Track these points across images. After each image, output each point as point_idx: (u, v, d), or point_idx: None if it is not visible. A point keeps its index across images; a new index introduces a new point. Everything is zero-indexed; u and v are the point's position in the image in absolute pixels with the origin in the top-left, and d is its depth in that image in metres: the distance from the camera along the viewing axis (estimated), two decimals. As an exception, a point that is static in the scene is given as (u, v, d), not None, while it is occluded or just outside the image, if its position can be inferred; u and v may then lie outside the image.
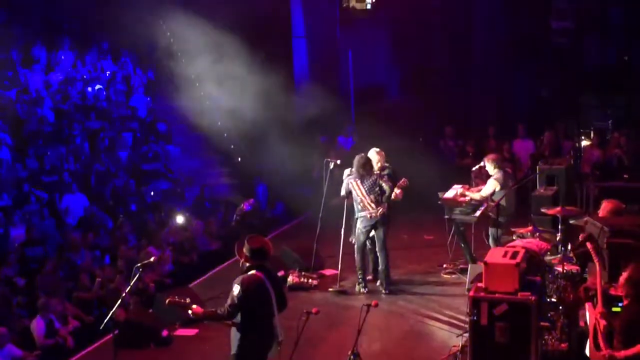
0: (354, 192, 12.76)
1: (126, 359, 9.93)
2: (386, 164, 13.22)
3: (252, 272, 8.07)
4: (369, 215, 12.70)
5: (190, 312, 8.14)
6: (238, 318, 8.00)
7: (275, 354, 8.18)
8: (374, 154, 13.15)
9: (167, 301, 8.24)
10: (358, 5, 23.74)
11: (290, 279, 13.46)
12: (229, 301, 7.97)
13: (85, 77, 21.67)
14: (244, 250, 8.14)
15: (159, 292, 13.02)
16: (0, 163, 16.94)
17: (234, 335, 8.09)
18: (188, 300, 8.19)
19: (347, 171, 13.01)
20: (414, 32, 23.12)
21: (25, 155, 17.76)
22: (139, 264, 8.83)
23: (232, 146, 21.72)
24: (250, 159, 21.33)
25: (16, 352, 11.10)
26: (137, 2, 20.41)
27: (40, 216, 15.63)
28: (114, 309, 8.42)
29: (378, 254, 13.03)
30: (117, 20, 20.86)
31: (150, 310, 12.37)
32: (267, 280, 8.09)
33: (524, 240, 10.52)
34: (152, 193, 18.34)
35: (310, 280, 13.49)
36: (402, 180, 12.96)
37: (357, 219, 12.92)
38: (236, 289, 7.93)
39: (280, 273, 13.63)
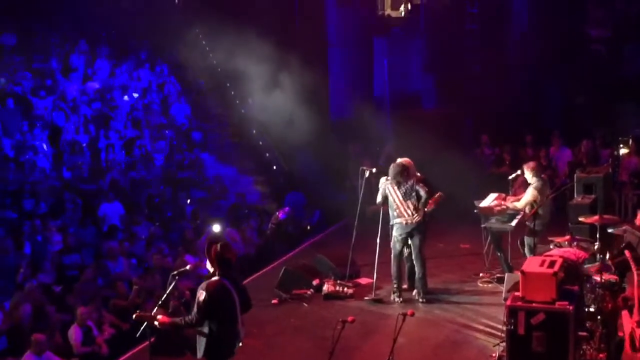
0: (390, 198, 12.58)
1: (162, 367, 9.98)
2: (417, 174, 13.06)
3: (216, 277, 8.21)
4: (404, 222, 12.54)
5: (156, 322, 8.29)
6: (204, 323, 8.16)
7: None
8: (406, 163, 12.87)
9: (134, 316, 8.40)
10: (393, 13, 23.73)
11: (325, 287, 13.41)
12: (195, 308, 8.13)
13: (122, 85, 21.84)
14: (213, 254, 8.27)
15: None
16: (38, 171, 17.12)
17: (199, 339, 8.23)
18: (153, 312, 8.34)
19: (383, 179, 12.90)
20: (450, 39, 23.05)
21: (63, 163, 17.92)
22: (174, 272, 8.87)
23: (267, 154, 21.77)
24: (285, 167, 21.37)
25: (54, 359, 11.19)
26: (173, 11, 20.55)
27: (78, 224, 15.76)
28: (151, 314, 8.47)
29: (414, 262, 12.87)
30: (153, 29, 21.05)
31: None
32: (230, 285, 8.24)
33: (562, 249, 10.43)
34: (188, 201, 18.42)
35: (345, 289, 13.43)
36: (438, 194, 12.87)
37: (392, 226, 12.78)
38: (202, 295, 8.08)
39: (316, 281, 13.64)
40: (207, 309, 8.07)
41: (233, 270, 8.46)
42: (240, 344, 8.40)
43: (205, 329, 8.17)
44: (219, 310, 8.12)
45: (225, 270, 8.29)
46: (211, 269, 8.36)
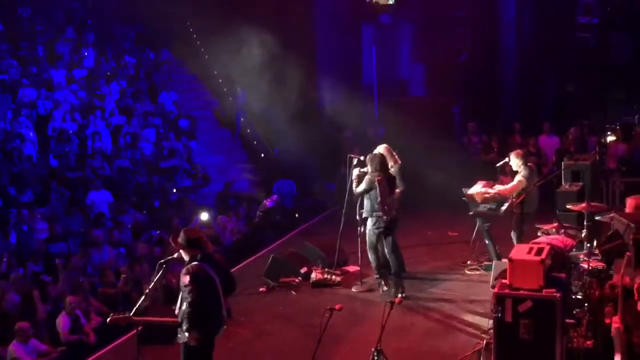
0: (375, 190, 12.14)
1: (149, 356, 9.95)
2: (397, 159, 12.95)
3: (195, 262, 8.21)
4: (385, 216, 12.22)
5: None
6: (184, 307, 8.15)
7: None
8: (385, 151, 12.74)
9: (107, 320, 8.39)
10: (382, 0, 23.63)
11: (313, 275, 13.41)
12: (186, 292, 8.11)
13: (108, 72, 21.74)
14: (180, 240, 8.31)
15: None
16: (25, 159, 17.04)
17: (183, 324, 8.21)
18: (127, 313, 8.36)
19: (355, 171, 12.61)
20: (439, 26, 22.99)
21: (49, 151, 17.85)
22: (162, 260, 8.85)
23: (255, 142, 21.73)
24: (273, 154, 21.35)
25: (41, 347, 11.17)
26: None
27: (63, 212, 15.70)
28: (137, 305, 8.46)
29: (389, 257, 12.45)
30: (140, 16, 20.94)
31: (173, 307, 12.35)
32: (210, 268, 8.24)
33: (549, 236, 10.42)
34: (174, 189, 18.37)
35: (333, 277, 13.43)
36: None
37: (366, 218, 12.47)
38: (187, 277, 8.12)
39: (304, 269, 13.64)
40: (191, 291, 8.06)
41: (206, 250, 8.43)
42: (225, 327, 8.43)
43: (186, 312, 8.15)
44: (201, 294, 8.11)
45: (199, 252, 8.29)
46: (186, 258, 8.34)
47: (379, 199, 12.06)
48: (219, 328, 8.42)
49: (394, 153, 12.93)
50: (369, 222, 12.38)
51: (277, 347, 10.98)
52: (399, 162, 12.88)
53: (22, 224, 14.79)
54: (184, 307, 8.17)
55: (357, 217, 12.75)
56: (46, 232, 14.88)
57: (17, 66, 20.15)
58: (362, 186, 12.29)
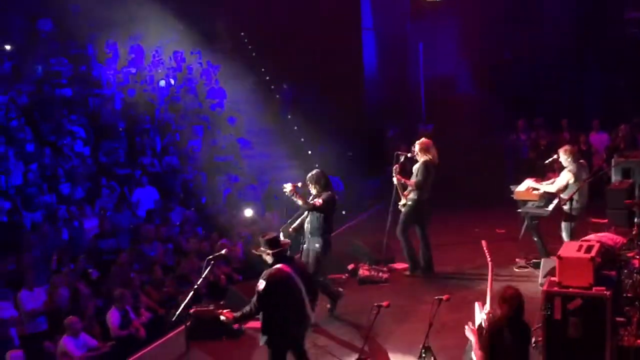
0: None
1: (198, 350, 10.04)
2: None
3: (278, 265, 8.32)
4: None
5: (222, 317, 8.49)
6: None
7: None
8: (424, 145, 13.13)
9: (191, 311, 8.51)
10: (429, -3, 23.54)
11: (360, 272, 13.44)
12: (255, 297, 8.26)
13: (157, 70, 21.90)
14: (261, 247, 8.48)
15: (230, 285, 13.15)
16: (76, 156, 17.23)
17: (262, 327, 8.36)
18: (212, 306, 8.46)
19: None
20: (486, 23, 22.84)
21: (99, 148, 18.03)
22: (210, 257, 8.92)
23: (302, 139, 21.76)
24: (319, 151, 21.35)
25: (91, 342, 11.30)
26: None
27: (113, 209, 15.87)
28: (186, 300, 8.54)
29: None
30: (188, 14, 21.06)
31: (222, 302, 12.45)
32: (294, 273, 8.37)
33: (599, 234, 10.32)
34: (222, 186, 18.46)
35: (380, 274, 13.44)
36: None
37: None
38: (262, 284, 8.21)
39: (351, 266, 13.66)
40: (266, 297, 8.18)
41: (286, 249, 8.64)
42: (310, 330, 8.56)
43: (264, 317, 8.30)
44: (278, 299, 8.22)
45: (282, 249, 8.46)
46: (270, 260, 8.43)
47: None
48: (300, 332, 8.52)
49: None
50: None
51: (324, 343, 11.00)
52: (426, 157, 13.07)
53: (74, 220, 14.97)
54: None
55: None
56: (96, 228, 15.04)
57: (67, 64, 20.35)
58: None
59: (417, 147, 13.12)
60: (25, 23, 21.11)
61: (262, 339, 8.39)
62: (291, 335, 8.45)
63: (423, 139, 13.25)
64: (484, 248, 9.41)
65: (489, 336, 7.50)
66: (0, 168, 15.87)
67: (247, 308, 8.39)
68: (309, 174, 11.78)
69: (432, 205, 13.40)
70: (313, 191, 11.71)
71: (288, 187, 11.55)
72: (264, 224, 16.43)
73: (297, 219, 11.99)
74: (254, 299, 8.27)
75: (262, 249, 8.48)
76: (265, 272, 8.32)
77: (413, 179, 13.04)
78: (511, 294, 7.52)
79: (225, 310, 8.60)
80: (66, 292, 12.28)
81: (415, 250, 13.43)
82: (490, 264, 9.21)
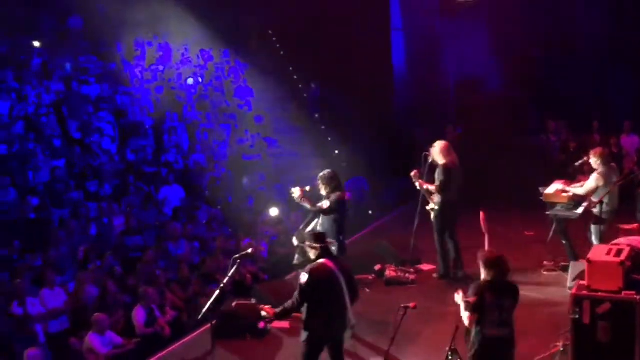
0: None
1: (223, 349, 10.01)
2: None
3: (321, 260, 8.30)
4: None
5: (263, 313, 8.54)
6: (305, 307, 8.26)
7: (348, 340, 8.58)
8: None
9: (233, 304, 8.50)
10: (458, -4, 23.41)
11: (387, 273, 13.37)
12: (297, 290, 8.24)
13: (185, 68, 21.95)
14: (307, 241, 8.56)
15: (256, 284, 13.14)
16: (103, 153, 17.30)
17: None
18: (253, 300, 8.46)
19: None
20: (517, 22, 22.67)
21: (127, 145, 18.09)
22: (236, 255, 8.90)
23: (329, 139, 21.71)
24: (346, 151, 21.30)
25: (116, 339, 11.33)
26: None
27: (140, 206, 15.90)
28: (212, 299, 8.50)
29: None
30: (216, 13, 21.08)
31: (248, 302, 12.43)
32: (337, 270, 8.30)
33: (629, 237, 10.19)
34: (248, 185, 18.45)
35: (407, 275, 13.37)
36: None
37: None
38: (304, 278, 8.21)
39: (377, 267, 13.59)
40: (308, 292, 8.17)
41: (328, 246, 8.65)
42: (352, 330, 8.51)
43: (306, 313, 8.28)
44: (320, 294, 8.20)
45: (322, 244, 8.44)
46: (313, 256, 8.45)
47: None
48: (340, 331, 8.45)
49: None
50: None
51: (350, 344, 10.95)
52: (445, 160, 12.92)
53: (103, 217, 15.03)
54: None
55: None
56: (123, 225, 15.08)
57: (96, 61, 20.44)
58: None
59: (433, 150, 12.96)
60: (55, 20, 21.23)
61: (303, 335, 8.35)
62: (332, 334, 8.39)
63: (440, 142, 13.08)
64: (481, 220, 9.61)
65: (477, 298, 7.80)
66: (29, 165, 15.96)
67: (289, 303, 8.35)
68: (321, 174, 11.85)
69: (462, 207, 13.26)
70: (323, 192, 11.77)
71: (297, 192, 11.65)
72: (290, 224, 16.41)
73: (309, 223, 12.01)
74: (296, 292, 8.25)
75: (307, 243, 8.51)
76: (308, 266, 8.33)
77: (436, 183, 12.92)
78: (493, 259, 7.91)
79: (266, 306, 8.59)
80: (92, 289, 12.31)
81: (450, 256, 13.29)
82: (486, 236, 9.56)
